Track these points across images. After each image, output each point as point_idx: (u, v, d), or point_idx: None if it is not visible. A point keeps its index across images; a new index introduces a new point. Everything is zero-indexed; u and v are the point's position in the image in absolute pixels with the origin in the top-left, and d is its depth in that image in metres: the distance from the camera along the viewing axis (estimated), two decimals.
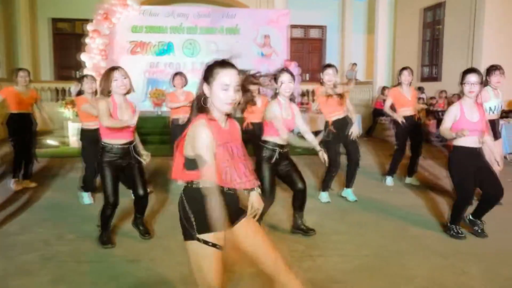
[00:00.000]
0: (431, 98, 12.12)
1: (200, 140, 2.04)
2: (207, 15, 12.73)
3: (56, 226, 4.58)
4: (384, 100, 12.11)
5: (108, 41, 11.74)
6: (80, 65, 11.87)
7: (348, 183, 5.64)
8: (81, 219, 4.80)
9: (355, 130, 5.36)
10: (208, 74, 2.12)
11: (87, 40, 11.38)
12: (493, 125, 5.11)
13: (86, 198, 5.51)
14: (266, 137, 4.09)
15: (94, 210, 5.15)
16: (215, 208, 1.98)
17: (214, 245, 2.11)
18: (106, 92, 3.80)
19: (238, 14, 12.89)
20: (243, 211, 2.31)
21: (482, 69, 10.42)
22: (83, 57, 11.37)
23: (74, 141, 9.91)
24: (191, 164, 2.12)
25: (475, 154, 4.07)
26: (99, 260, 3.71)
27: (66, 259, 3.72)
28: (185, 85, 6.52)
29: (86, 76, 5.56)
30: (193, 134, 2.08)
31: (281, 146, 4.06)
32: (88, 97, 5.41)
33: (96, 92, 5.44)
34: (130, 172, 4.04)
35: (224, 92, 2.09)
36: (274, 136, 4.04)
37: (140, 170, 4.08)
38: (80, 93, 5.51)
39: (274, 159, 4.03)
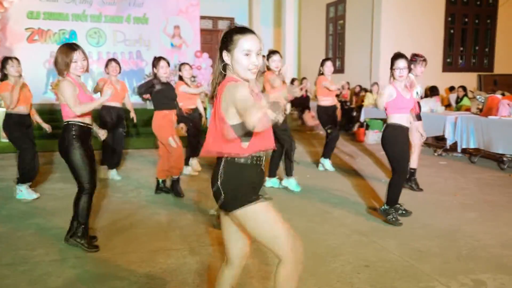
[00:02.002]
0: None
1: (241, 91, 1.96)
2: (113, 3, 12.20)
3: None
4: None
5: (0, 27, 10.76)
6: None
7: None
8: None
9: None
10: (228, 41, 2.06)
11: None
12: (419, 107, 5.59)
13: (27, 192, 5.02)
14: None
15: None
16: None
17: (267, 198, 2.13)
18: (63, 73, 3.57)
19: (146, 3, 12.51)
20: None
21: (381, 61, 11.28)
22: None
23: None
24: (239, 128, 2.01)
25: (406, 133, 4.43)
26: (18, 262, 3.41)
27: None
28: (119, 73, 6.11)
29: (10, 58, 5.02)
30: (230, 92, 1.99)
31: None
32: (12, 81, 4.95)
33: (21, 75, 5.05)
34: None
35: (246, 57, 2.04)
36: None
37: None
38: (4, 77, 5.01)
39: None
